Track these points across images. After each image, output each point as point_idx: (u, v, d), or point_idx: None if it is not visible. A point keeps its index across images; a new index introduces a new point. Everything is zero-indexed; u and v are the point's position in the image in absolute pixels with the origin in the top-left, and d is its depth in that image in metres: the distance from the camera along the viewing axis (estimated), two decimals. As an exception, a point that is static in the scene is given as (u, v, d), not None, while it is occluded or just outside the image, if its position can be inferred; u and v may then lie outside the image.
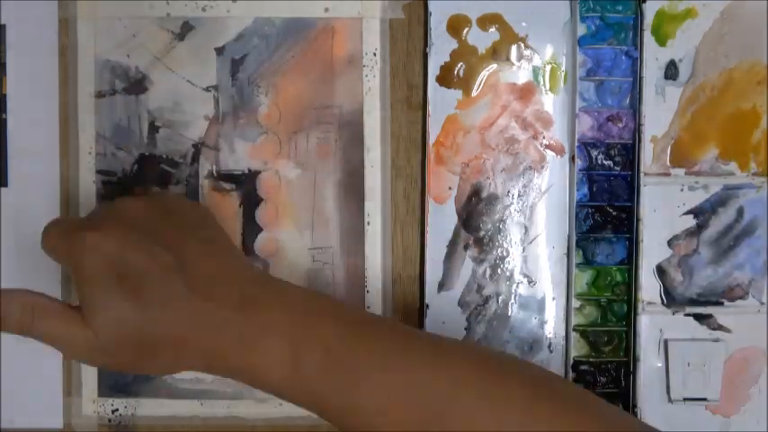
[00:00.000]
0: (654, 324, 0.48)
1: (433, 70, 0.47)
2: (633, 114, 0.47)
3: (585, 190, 0.47)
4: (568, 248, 0.47)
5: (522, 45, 0.47)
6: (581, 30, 0.47)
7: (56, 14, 0.47)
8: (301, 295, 0.38)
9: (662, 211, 0.48)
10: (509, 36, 0.47)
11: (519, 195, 0.48)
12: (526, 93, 0.47)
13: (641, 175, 0.47)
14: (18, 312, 0.36)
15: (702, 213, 0.48)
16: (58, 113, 0.48)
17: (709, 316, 0.48)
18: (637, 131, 0.47)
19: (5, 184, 0.48)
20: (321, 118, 0.48)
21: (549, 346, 0.48)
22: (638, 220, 0.47)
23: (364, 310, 0.39)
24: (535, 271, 0.48)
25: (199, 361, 0.36)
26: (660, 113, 0.47)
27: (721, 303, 0.48)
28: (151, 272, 0.35)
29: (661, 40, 0.47)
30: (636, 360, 0.47)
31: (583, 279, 0.48)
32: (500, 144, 0.47)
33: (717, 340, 0.48)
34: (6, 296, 0.36)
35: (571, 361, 0.47)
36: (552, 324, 0.48)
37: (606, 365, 0.48)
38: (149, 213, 0.37)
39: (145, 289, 0.35)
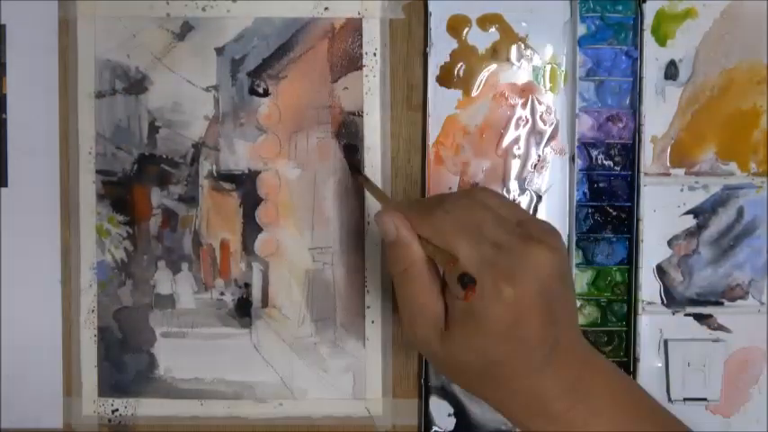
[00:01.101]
0: (654, 324, 0.48)
1: (433, 70, 0.47)
2: (633, 114, 0.47)
3: (585, 190, 0.47)
4: (568, 248, 0.47)
5: (522, 45, 0.47)
6: (581, 30, 0.47)
7: (56, 14, 0.47)
8: (626, 386, 0.39)
9: (662, 211, 0.48)
10: (509, 36, 0.47)
11: (519, 195, 0.48)
12: (526, 93, 0.47)
13: (641, 175, 0.47)
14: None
15: (702, 213, 0.48)
16: (58, 113, 0.48)
17: (709, 316, 0.48)
18: (637, 131, 0.47)
19: (5, 184, 0.48)
20: (321, 118, 0.48)
21: (549, 346, 0.48)
22: (638, 220, 0.47)
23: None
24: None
25: (512, 408, 0.37)
26: (660, 113, 0.47)
27: (721, 303, 0.48)
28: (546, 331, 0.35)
29: (661, 40, 0.47)
30: (636, 360, 0.47)
31: (583, 279, 0.48)
32: (500, 144, 0.47)
33: (717, 340, 0.48)
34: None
35: (571, 361, 0.47)
36: (552, 324, 0.48)
37: (606, 365, 0.48)
38: (564, 279, 0.37)
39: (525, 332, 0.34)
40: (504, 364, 0.35)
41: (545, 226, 0.37)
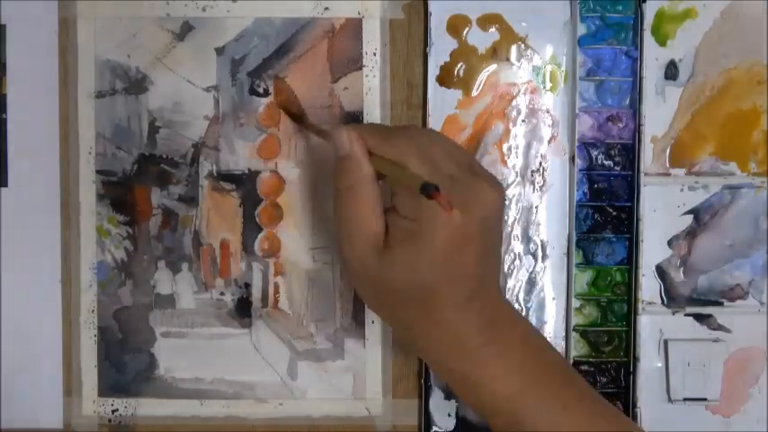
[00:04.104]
0: (654, 324, 0.48)
1: (433, 70, 0.47)
2: (633, 114, 0.47)
3: (585, 190, 0.47)
4: (568, 248, 0.47)
5: (522, 45, 0.47)
6: (581, 30, 0.47)
7: (56, 14, 0.47)
8: (534, 333, 0.40)
9: (662, 211, 0.48)
10: (509, 36, 0.47)
11: (519, 195, 0.48)
12: (526, 93, 0.47)
13: (641, 175, 0.47)
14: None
15: (702, 213, 0.48)
16: (58, 113, 0.48)
17: (709, 316, 0.48)
18: (637, 131, 0.47)
19: (5, 184, 0.48)
20: (321, 118, 0.48)
21: (549, 346, 0.48)
22: (638, 220, 0.47)
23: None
24: (535, 271, 0.48)
25: (432, 340, 0.38)
26: (660, 113, 0.47)
27: (721, 303, 0.48)
28: (480, 268, 0.36)
29: (661, 40, 0.47)
30: (636, 360, 0.47)
31: (583, 279, 0.48)
32: (500, 144, 0.47)
33: (717, 340, 0.48)
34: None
35: (571, 361, 0.47)
36: (552, 324, 0.48)
37: (606, 365, 0.48)
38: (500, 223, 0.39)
39: (465, 269, 0.36)
40: (435, 291, 0.36)
41: (489, 172, 0.39)
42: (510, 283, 0.48)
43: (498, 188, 0.37)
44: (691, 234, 0.48)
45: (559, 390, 0.38)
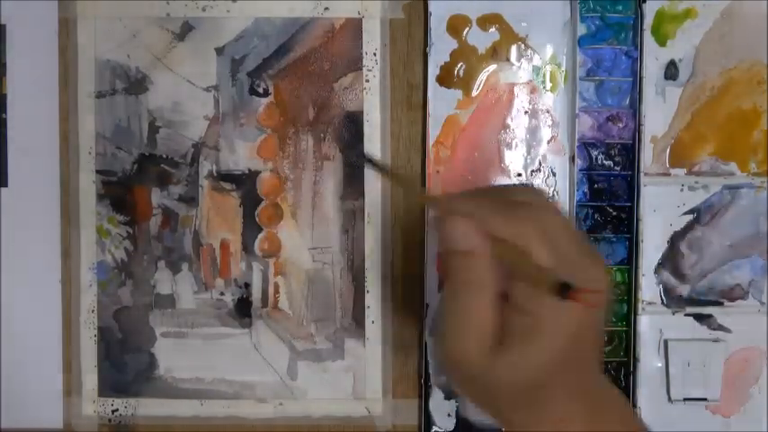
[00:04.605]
0: (654, 324, 0.48)
1: (433, 70, 0.47)
2: (633, 114, 0.47)
3: (585, 190, 0.47)
4: (568, 248, 0.47)
5: (522, 45, 0.47)
6: (581, 30, 0.47)
7: (56, 14, 0.47)
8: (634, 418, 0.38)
9: (662, 211, 0.48)
10: (509, 36, 0.47)
11: (519, 195, 0.48)
12: (526, 93, 0.47)
13: (641, 175, 0.47)
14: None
15: (702, 213, 0.48)
16: (58, 113, 0.48)
17: (709, 316, 0.48)
18: (637, 131, 0.47)
19: (5, 184, 0.48)
20: (321, 118, 0.48)
21: (549, 346, 0.48)
22: (638, 220, 0.47)
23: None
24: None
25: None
26: (660, 113, 0.47)
27: (721, 303, 0.48)
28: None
29: (661, 40, 0.47)
30: (636, 360, 0.47)
31: (583, 279, 0.48)
32: (500, 144, 0.47)
33: (717, 340, 0.48)
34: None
35: (571, 361, 0.47)
36: (552, 324, 0.48)
37: (606, 365, 0.47)
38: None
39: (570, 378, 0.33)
40: (549, 387, 0.33)
41: (597, 251, 0.36)
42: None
43: (608, 271, 0.35)
44: (691, 234, 0.48)
45: None
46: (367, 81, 0.47)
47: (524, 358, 0.32)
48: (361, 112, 0.47)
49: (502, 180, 0.47)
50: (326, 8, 0.47)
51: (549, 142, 0.47)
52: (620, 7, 0.47)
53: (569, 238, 0.34)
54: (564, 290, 0.31)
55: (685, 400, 0.47)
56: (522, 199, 0.35)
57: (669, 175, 0.48)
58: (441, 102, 0.47)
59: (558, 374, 0.33)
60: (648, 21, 0.47)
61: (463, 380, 0.35)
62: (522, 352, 0.32)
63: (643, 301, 0.47)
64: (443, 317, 0.34)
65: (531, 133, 0.47)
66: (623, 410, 0.37)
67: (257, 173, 0.48)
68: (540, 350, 0.32)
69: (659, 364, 0.48)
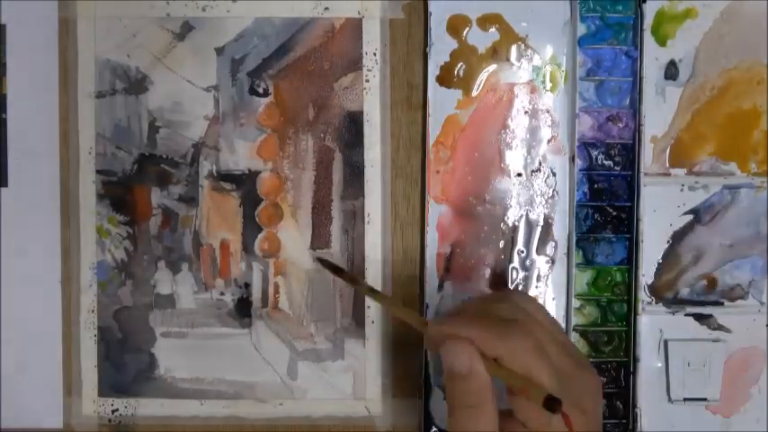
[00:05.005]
0: (654, 324, 0.48)
1: (433, 70, 0.47)
2: (633, 114, 0.47)
3: (585, 190, 0.47)
4: (568, 248, 0.47)
5: (522, 45, 0.47)
6: (581, 30, 0.47)
7: (56, 14, 0.47)
8: None
9: (662, 211, 0.48)
10: (509, 36, 0.47)
11: (519, 195, 0.48)
12: (526, 93, 0.47)
13: (641, 175, 0.47)
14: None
15: (702, 213, 0.48)
16: (58, 113, 0.48)
17: (710, 316, 0.48)
18: (637, 131, 0.47)
19: (5, 184, 0.48)
20: (321, 118, 0.48)
21: (549, 346, 0.48)
22: (638, 220, 0.47)
23: None
24: (535, 271, 0.48)
25: None
26: (660, 113, 0.47)
27: (721, 303, 0.48)
28: None
29: (661, 40, 0.47)
30: (636, 360, 0.47)
31: (583, 279, 0.48)
32: (500, 144, 0.48)
33: (717, 340, 0.48)
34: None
35: (571, 361, 0.47)
36: (552, 324, 0.48)
37: (606, 365, 0.47)
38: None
39: None
40: None
41: (583, 354, 0.39)
42: (510, 283, 0.48)
43: (597, 375, 0.36)
44: (691, 234, 0.48)
45: None
46: (367, 81, 0.47)
47: None
48: (361, 112, 0.48)
49: (502, 180, 0.47)
50: (326, 8, 0.47)
51: (549, 142, 0.48)
52: (620, 7, 0.47)
53: (561, 350, 0.35)
54: (550, 405, 0.32)
55: (685, 400, 0.47)
56: (512, 314, 0.36)
57: (669, 175, 0.48)
58: (441, 102, 0.47)
59: None
60: (648, 21, 0.47)
61: None
62: None
63: (643, 301, 0.47)
64: None
65: (531, 133, 0.47)
66: None
67: (257, 173, 0.48)
68: None
69: (659, 364, 0.48)
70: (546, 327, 0.36)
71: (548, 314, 0.38)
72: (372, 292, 0.41)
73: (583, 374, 0.35)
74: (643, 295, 0.47)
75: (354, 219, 0.48)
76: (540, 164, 0.48)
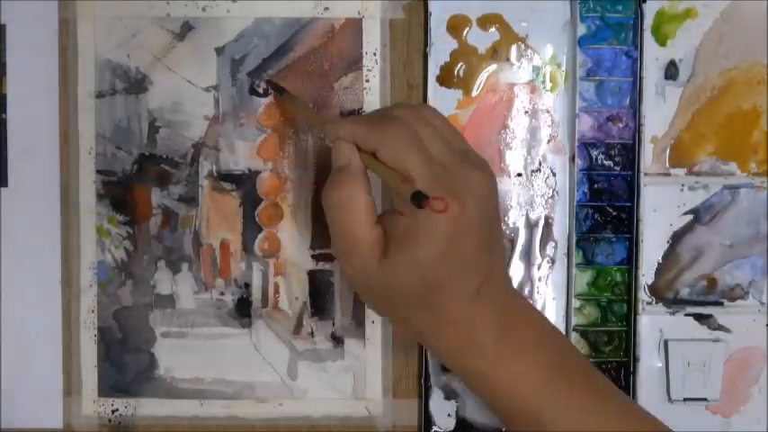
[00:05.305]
0: (654, 324, 0.48)
1: (433, 70, 0.47)
2: (633, 114, 0.47)
3: (585, 190, 0.47)
4: (568, 248, 0.47)
5: (522, 45, 0.47)
6: (581, 30, 0.47)
7: (56, 14, 0.47)
8: (548, 325, 0.40)
9: (662, 211, 0.48)
10: (509, 36, 0.47)
11: (519, 195, 0.48)
12: (526, 93, 0.47)
13: (641, 175, 0.47)
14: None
15: (702, 213, 0.48)
16: (58, 113, 0.48)
17: (710, 316, 0.48)
18: (637, 131, 0.47)
19: (5, 184, 0.48)
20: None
21: (549, 346, 0.48)
22: (638, 220, 0.47)
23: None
24: (535, 271, 0.48)
25: (445, 339, 0.37)
26: (660, 113, 0.47)
27: (721, 303, 0.48)
28: (482, 259, 0.36)
29: (661, 40, 0.47)
30: (636, 360, 0.47)
31: (583, 279, 0.48)
32: (500, 144, 0.48)
33: (717, 340, 0.48)
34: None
35: (571, 361, 0.47)
36: (552, 324, 0.48)
37: (606, 365, 0.47)
38: (498, 210, 0.39)
39: (469, 263, 0.35)
40: (441, 288, 0.35)
41: (481, 158, 0.38)
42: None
43: (490, 174, 0.37)
44: (691, 234, 0.48)
45: (580, 388, 0.37)
46: (367, 81, 0.47)
47: (406, 258, 0.35)
48: (362, 112, 0.47)
49: (502, 180, 0.47)
50: (326, 8, 0.47)
51: (549, 142, 0.48)
52: (620, 7, 0.47)
53: (445, 146, 0.36)
54: (417, 200, 0.33)
55: (685, 400, 0.47)
56: (397, 113, 0.37)
57: (669, 175, 0.48)
58: (441, 102, 0.47)
59: (445, 278, 0.35)
60: (648, 21, 0.47)
61: (363, 292, 0.38)
62: (403, 253, 0.35)
63: (643, 301, 0.47)
64: (332, 238, 0.37)
65: (531, 133, 0.47)
66: (534, 317, 0.39)
67: (257, 173, 0.48)
68: (418, 248, 0.34)
69: (659, 364, 0.48)
70: (432, 124, 0.37)
71: (440, 116, 0.39)
72: (292, 97, 0.44)
73: (467, 171, 0.36)
74: (643, 295, 0.47)
75: (354, 219, 0.48)
76: (540, 164, 0.48)
